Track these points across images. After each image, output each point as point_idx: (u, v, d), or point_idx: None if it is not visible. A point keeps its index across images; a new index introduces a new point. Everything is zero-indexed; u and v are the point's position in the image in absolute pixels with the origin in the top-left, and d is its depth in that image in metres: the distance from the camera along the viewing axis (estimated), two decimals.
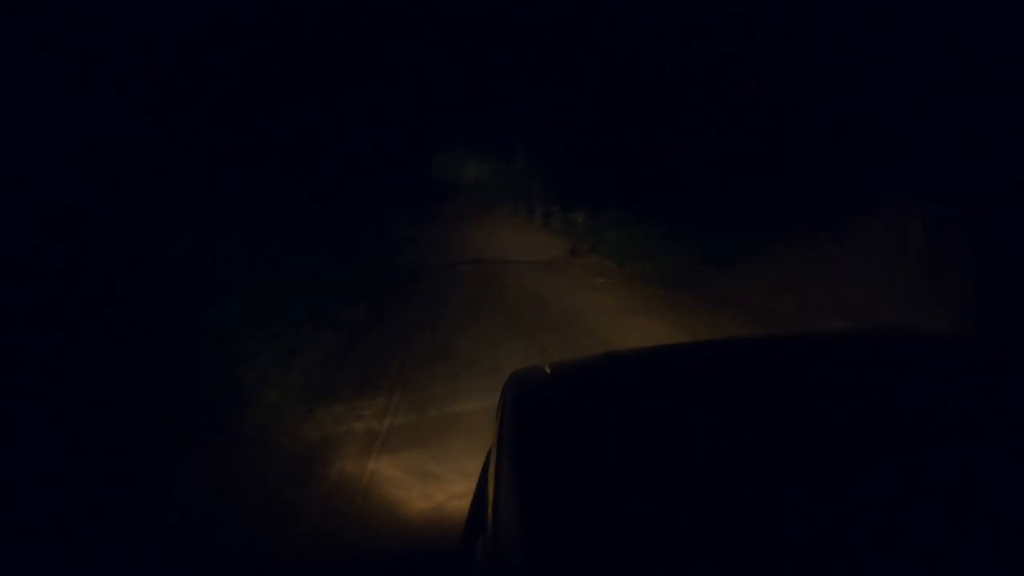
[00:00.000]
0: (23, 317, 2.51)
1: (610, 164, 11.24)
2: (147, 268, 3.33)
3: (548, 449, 0.98)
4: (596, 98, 11.79)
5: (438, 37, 13.60)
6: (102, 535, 2.12)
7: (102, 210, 3.26)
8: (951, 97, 4.89)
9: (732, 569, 0.65)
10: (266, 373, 3.89)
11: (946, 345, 1.38)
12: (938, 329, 1.44)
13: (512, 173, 18.56)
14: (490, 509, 0.96)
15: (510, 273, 8.78)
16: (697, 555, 0.67)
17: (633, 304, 6.54)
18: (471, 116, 18.80)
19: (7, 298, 2.51)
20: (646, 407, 1.09)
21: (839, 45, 6.21)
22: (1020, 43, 4.59)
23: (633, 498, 0.79)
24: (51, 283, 2.75)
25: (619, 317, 5.91)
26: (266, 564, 2.18)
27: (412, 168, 20.22)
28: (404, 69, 13.33)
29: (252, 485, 2.65)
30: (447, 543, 1.78)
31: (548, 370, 1.31)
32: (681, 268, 7.90)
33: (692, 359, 1.41)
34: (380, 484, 2.76)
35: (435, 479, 2.76)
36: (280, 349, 4.31)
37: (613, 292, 7.35)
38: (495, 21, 12.57)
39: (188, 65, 5.56)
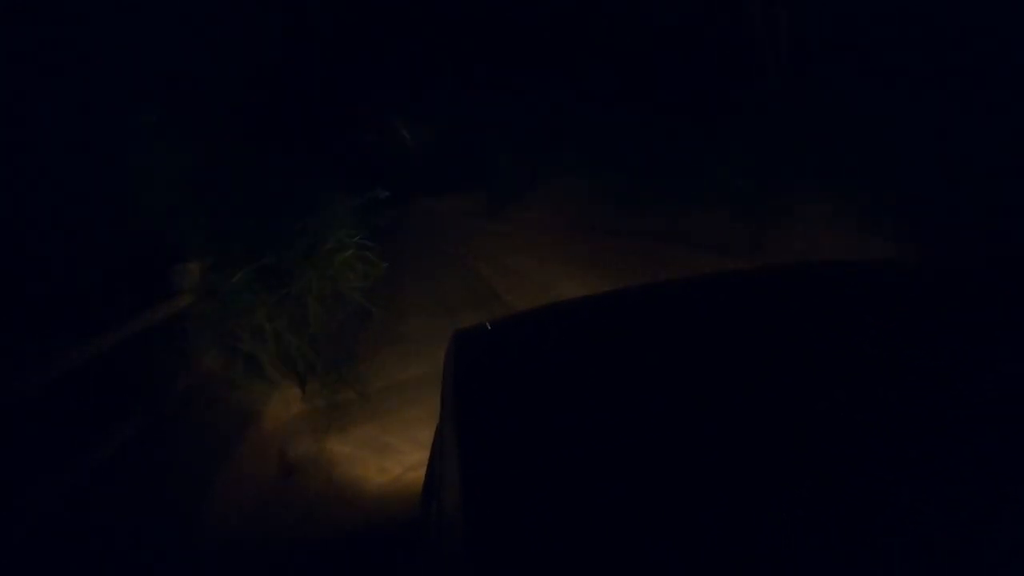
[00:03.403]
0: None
1: None
2: None
3: (487, 407, 0.96)
4: None
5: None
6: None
7: None
8: None
9: (661, 525, 0.63)
10: None
11: (881, 273, 1.36)
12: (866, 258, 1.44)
13: None
14: (437, 472, 0.95)
15: None
16: (640, 515, 0.64)
17: None
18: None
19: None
20: (583, 357, 1.09)
21: None
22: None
23: (572, 452, 0.77)
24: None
25: None
26: None
27: None
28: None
29: None
30: None
31: (489, 327, 1.32)
32: None
33: (630, 305, 1.38)
34: None
35: None
36: None
37: None
38: None
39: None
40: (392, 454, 2.58)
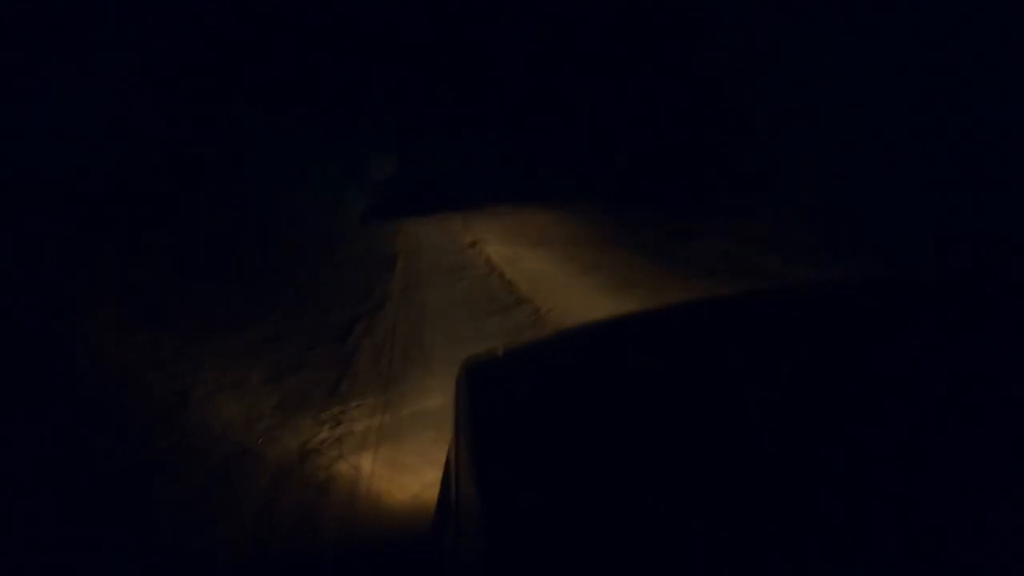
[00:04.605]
0: None
1: None
2: None
3: (503, 436, 0.96)
4: None
5: None
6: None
7: None
8: None
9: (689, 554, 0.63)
10: None
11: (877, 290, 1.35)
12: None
13: None
14: (453, 501, 0.96)
15: None
16: (658, 537, 0.66)
17: None
18: None
19: None
20: (598, 385, 1.07)
21: None
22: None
23: (594, 479, 0.78)
24: None
25: None
26: None
27: None
28: None
29: None
30: None
31: (501, 354, 1.28)
32: None
33: (646, 329, 1.32)
34: None
35: None
36: None
37: None
38: None
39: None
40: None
